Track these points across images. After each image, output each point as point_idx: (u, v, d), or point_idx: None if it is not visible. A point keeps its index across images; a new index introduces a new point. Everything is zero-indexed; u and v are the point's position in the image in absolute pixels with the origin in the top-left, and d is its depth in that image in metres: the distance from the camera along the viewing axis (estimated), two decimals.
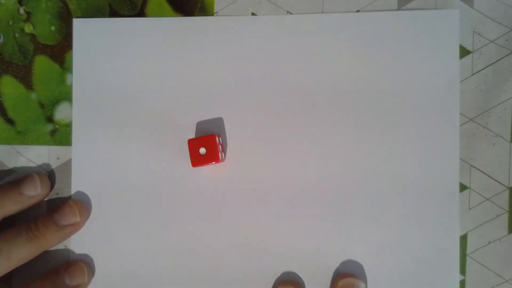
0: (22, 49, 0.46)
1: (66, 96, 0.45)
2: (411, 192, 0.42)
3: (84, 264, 0.44)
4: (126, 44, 0.44)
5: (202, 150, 0.41)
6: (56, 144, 0.45)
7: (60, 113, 0.45)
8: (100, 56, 0.45)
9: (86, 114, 0.45)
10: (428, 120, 0.42)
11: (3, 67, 0.46)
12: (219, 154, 0.41)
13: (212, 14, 0.44)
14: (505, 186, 0.42)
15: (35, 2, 0.46)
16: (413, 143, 0.42)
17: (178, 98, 0.44)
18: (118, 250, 0.44)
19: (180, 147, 0.44)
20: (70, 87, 0.45)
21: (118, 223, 0.44)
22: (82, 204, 0.44)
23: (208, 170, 0.44)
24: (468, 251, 0.42)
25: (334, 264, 0.43)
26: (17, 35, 0.46)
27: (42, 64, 0.46)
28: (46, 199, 0.45)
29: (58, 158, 0.45)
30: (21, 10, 0.46)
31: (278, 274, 0.43)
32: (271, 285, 0.43)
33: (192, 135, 0.44)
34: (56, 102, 0.45)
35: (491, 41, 0.42)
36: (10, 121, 0.46)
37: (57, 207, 0.44)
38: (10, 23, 0.46)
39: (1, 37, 0.46)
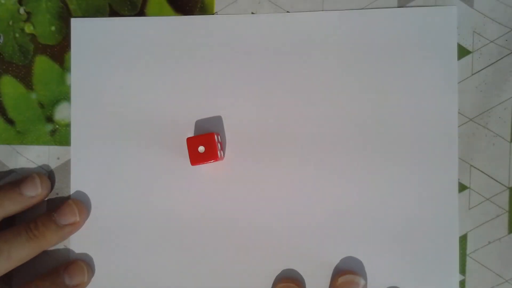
0: (22, 49, 0.46)
1: (66, 96, 0.45)
2: (410, 192, 0.42)
3: (84, 264, 0.44)
4: (124, 44, 0.45)
5: (201, 149, 0.41)
6: (56, 144, 0.45)
7: (60, 113, 0.45)
8: (99, 55, 0.45)
9: (85, 114, 0.45)
10: (427, 119, 0.42)
11: (3, 67, 0.46)
12: (218, 152, 0.41)
13: (212, 14, 0.44)
14: (505, 186, 0.42)
15: (35, 2, 0.46)
16: (411, 143, 0.42)
17: (177, 96, 0.44)
18: (117, 250, 0.44)
19: (179, 146, 0.44)
20: (70, 87, 0.45)
21: (117, 223, 0.44)
22: (81, 203, 0.44)
23: (207, 168, 0.44)
24: (468, 251, 0.42)
25: (334, 261, 0.43)
26: (17, 35, 0.46)
27: (42, 64, 0.46)
28: (46, 198, 0.45)
29: (58, 158, 0.45)
30: (21, 10, 0.46)
31: (278, 271, 0.43)
32: (271, 282, 0.43)
33: (191, 134, 0.44)
34: (56, 102, 0.45)
35: (491, 41, 0.42)
36: (10, 121, 0.46)
37: (57, 206, 0.44)
38: (10, 23, 0.46)
39: (1, 37, 0.46)
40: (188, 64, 0.44)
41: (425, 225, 0.42)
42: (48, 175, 0.45)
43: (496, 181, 0.42)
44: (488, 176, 0.42)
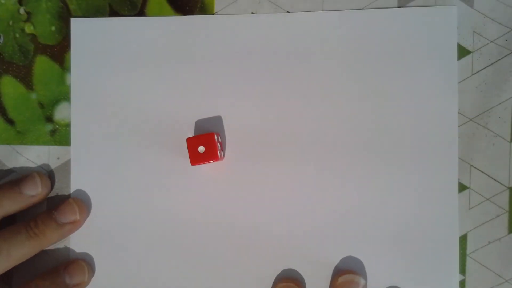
0: (22, 49, 0.46)
1: (66, 96, 0.45)
2: (410, 192, 0.42)
3: (85, 263, 0.44)
4: (125, 44, 0.45)
5: (201, 149, 0.41)
6: (56, 144, 0.45)
7: (60, 113, 0.45)
8: (99, 55, 0.45)
9: (85, 113, 0.45)
10: (427, 119, 0.42)
11: (4, 67, 0.46)
12: (218, 152, 0.41)
13: (212, 14, 0.44)
14: (505, 186, 0.42)
15: (35, 2, 0.46)
16: (411, 143, 0.42)
17: (177, 96, 0.44)
18: (117, 250, 0.44)
19: (179, 146, 0.44)
20: (70, 87, 0.45)
21: (117, 223, 0.44)
22: (82, 202, 0.44)
23: (207, 168, 0.44)
24: (468, 251, 0.42)
25: (334, 261, 0.43)
26: (17, 35, 0.46)
27: (42, 64, 0.46)
28: (46, 199, 0.45)
29: (58, 158, 0.45)
30: (21, 10, 0.46)
31: (278, 271, 0.43)
32: (271, 282, 0.43)
33: (191, 134, 0.44)
34: (56, 102, 0.45)
35: (491, 41, 0.42)
36: (10, 121, 0.46)
37: (57, 205, 0.44)
38: (10, 23, 0.46)
39: (2, 37, 0.46)
40: (188, 64, 0.44)
41: (425, 225, 0.42)
42: (48, 175, 0.45)
43: (496, 181, 0.42)
44: (488, 176, 0.42)
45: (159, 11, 0.45)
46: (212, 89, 0.44)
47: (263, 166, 0.43)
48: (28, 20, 0.46)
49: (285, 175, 0.43)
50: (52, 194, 0.45)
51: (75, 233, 0.44)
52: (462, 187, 0.42)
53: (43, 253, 0.44)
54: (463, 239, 0.42)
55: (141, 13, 0.45)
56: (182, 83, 0.44)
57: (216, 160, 0.41)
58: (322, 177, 0.43)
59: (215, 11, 0.44)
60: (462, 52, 0.42)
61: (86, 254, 0.45)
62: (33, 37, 0.46)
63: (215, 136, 0.41)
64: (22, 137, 0.46)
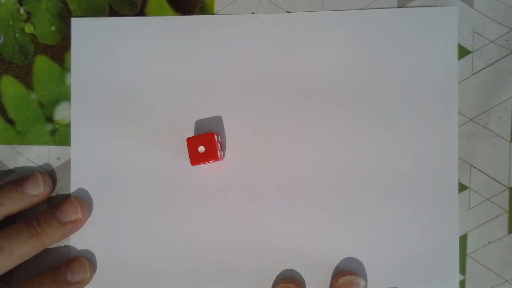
0: (22, 49, 0.46)
1: (66, 96, 0.45)
2: (410, 192, 0.42)
3: (86, 260, 0.44)
4: (125, 43, 0.45)
5: (201, 149, 0.41)
6: (56, 144, 0.45)
7: (60, 113, 0.45)
8: (99, 55, 0.45)
9: (85, 113, 0.45)
10: (427, 119, 0.42)
11: (4, 67, 0.46)
12: (218, 152, 0.41)
13: (212, 14, 0.44)
14: (505, 186, 0.42)
15: (35, 2, 0.46)
16: (412, 143, 0.42)
17: (177, 96, 0.44)
18: (117, 250, 0.44)
19: (179, 146, 0.44)
20: (70, 87, 0.45)
21: (118, 222, 0.44)
22: (83, 201, 0.44)
23: (207, 168, 0.44)
24: (468, 251, 0.42)
25: (334, 262, 0.43)
26: (17, 35, 0.46)
27: (42, 64, 0.46)
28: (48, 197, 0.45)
29: (58, 158, 0.45)
30: (21, 10, 0.46)
31: (278, 272, 0.43)
32: (271, 283, 0.43)
33: (191, 134, 0.44)
34: (56, 102, 0.45)
35: (491, 41, 0.42)
36: (10, 121, 0.46)
37: (59, 203, 0.44)
38: (10, 23, 0.46)
39: (1, 37, 0.46)
40: (188, 64, 0.44)
41: (425, 225, 0.42)
42: (50, 174, 0.45)
43: (496, 181, 0.42)
44: (488, 176, 0.42)
45: (159, 11, 0.45)
46: (212, 89, 0.44)
47: (263, 165, 0.43)
48: (28, 20, 0.46)
49: (285, 174, 0.43)
50: (53, 194, 0.45)
51: (75, 233, 0.44)
52: (462, 187, 0.42)
53: (44, 252, 0.44)
54: (463, 239, 0.42)
55: (141, 13, 0.45)
56: (182, 83, 0.44)
57: (216, 160, 0.41)
58: (322, 177, 0.43)
59: (215, 11, 0.44)
60: (462, 52, 0.42)
61: (88, 252, 0.45)
62: (33, 37, 0.46)
63: (215, 136, 0.41)
64: (22, 137, 0.46)
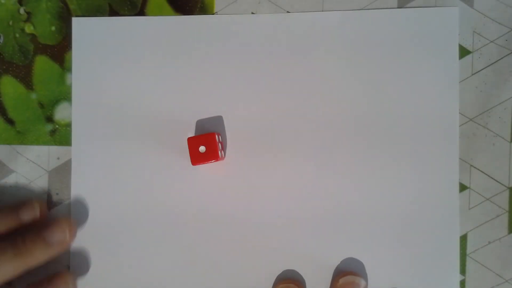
0: (22, 49, 0.46)
1: (66, 96, 0.45)
2: (411, 192, 0.42)
3: (69, 277, 0.44)
4: (125, 43, 0.45)
5: (202, 149, 0.41)
6: (56, 144, 0.45)
7: (60, 113, 0.45)
8: (100, 55, 0.45)
9: (86, 113, 0.45)
10: (427, 119, 0.42)
11: (4, 67, 0.46)
12: (219, 152, 0.41)
13: (212, 14, 0.44)
14: (505, 186, 0.42)
15: (35, 2, 0.46)
16: (412, 143, 0.42)
17: (177, 96, 0.44)
18: (117, 250, 0.44)
19: (180, 146, 0.44)
20: (70, 87, 0.45)
21: (118, 223, 0.44)
22: (71, 222, 0.44)
23: (207, 168, 0.44)
24: (468, 251, 0.42)
25: (335, 262, 0.43)
26: (17, 35, 0.46)
27: (42, 64, 0.46)
28: (46, 199, 0.45)
29: (58, 158, 0.45)
30: (21, 10, 0.46)
31: (279, 272, 0.43)
32: (271, 283, 0.43)
33: (191, 134, 0.44)
34: (56, 102, 0.45)
35: (491, 41, 0.42)
36: (10, 121, 0.46)
37: (46, 224, 0.43)
38: (10, 23, 0.46)
39: (1, 37, 0.46)
40: (189, 64, 0.44)
41: (425, 225, 0.42)
42: (47, 198, 0.45)
43: (496, 181, 0.42)
44: (488, 176, 0.42)
45: (159, 11, 0.45)
46: (213, 89, 0.44)
47: (263, 166, 0.43)
48: (28, 20, 0.46)
49: (286, 175, 0.43)
50: (53, 194, 0.45)
51: (75, 233, 0.44)
52: (462, 187, 0.42)
53: None
54: (463, 239, 0.42)
55: (141, 13, 0.45)
56: (182, 83, 0.44)
57: (217, 160, 0.42)
58: (323, 177, 0.43)
59: (215, 11, 0.44)
60: (462, 52, 0.42)
61: (86, 251, 0.45)
62: (33, 37, 0.46)
63: (216, 136, 0.41)
64: (22, 137, 0.46)
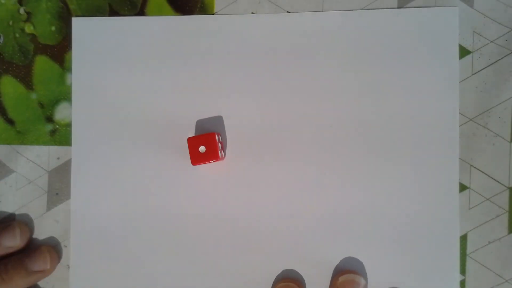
0: (22, 49, 0.46)
1: (66, 96, 0.45)
2: (411, 192, 0.42)
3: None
4: (125, 43, 0.45)
5: (202, 149, 0.41)
6: (56, 144, 0.45)
7: (60, 113, 0.45)
8: (100, 55, 0.45)
9: (86, 113, 0.45)
10: (428, 119, 0.42)
11: (4, 67, 0.46)
12: (219, 152, 0.41)
13: (212, 14, 0.44)
14: (505, 186, 0.42)
15: (35, 2, 0.46)
16: (412, 143, 0.42)
17: (177, 96, 0.44)
18: (117, 249, 0.44)
19: (180, 146, 0.44)
20: (70, 87, 0.45)
21: (117, 223, 0.44)
22: (54, 250, 0.44)
23: (207, 168, 0.44)
24: (468, 251, 0.42)
25: (335, 262, 0.43)
26: (17, 35, 0.46)
27: (42, 64, 0.46)
28: (46, 199, 0.45)
29: (58, 158, 0.45)
30: (21, 10, 0.46)
31: (278, 271, 0.43)
32: (271, 282, 0.43)
33: (191, 134, 0.44)
34: (56, 102, 0.45)
35: (491, 41, 0.42)
36: (10, 121, 0.46)
37: (29, 252, 0.43)
38: (10, 23, 0.46)
39: (1, 37, 0.46)
40: (189, 64, 0.44)
41: (425, 225, 0.42)
42: (28, 225, 0.45)
43: (496, 181, 0.42)
44: (488, 176, 0.42)
45: (159, 11, 0.45)
46: (213, 89, 0.44)
47: (264, 166, 0.43)
48: (28, 20, 0.46)
49: (286, 175, 0.43)
50: (52, 194, 0.45)
51: (75, 233, 0.44)
52: (462, 187, 0.42)
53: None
54: (463, 239, 0.42)
55: (141, 13, 0.45)
56: (182, 83, 0.44)
57: (217, 160, 0.42)
58: (322, 177, 0.43)
59: (215, 11, 0.44)
60: (462, 52, 0.42)
61: (86, 250, 0.45)
62: (33, 37, 0.46)
63: (216, 136, 0.41)
64: (22, 137, 0.46)
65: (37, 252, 0.43)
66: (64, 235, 0.45)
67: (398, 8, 0.43)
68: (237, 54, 0.44)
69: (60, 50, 0.46)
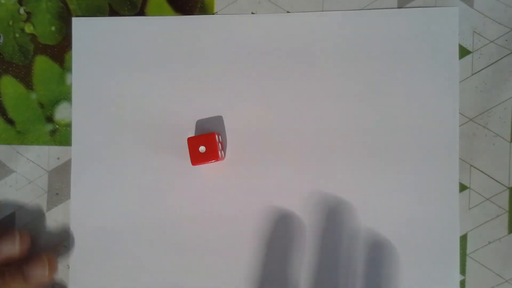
0: (22, 49, 0.46)
1: (66, 96, 0.45)
2: (411, 192, 0.42)
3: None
4: (125, 43, 0.45)
5: (202, 149, 0.41)
6: (56, 144, 0.45)
7: (60, 113, 0.45)
8: (100, 55, 0.45)
9: (86, 113, 0.45)
10: (428, 119, 0.42)
11: (3, 67, 0.46)
12: (219, 152, 0.41)
13: (212, 14, 0.44)
14: (505, 186, 0.42)
15: (35, 2, 0.46)
16: (412, 143, 0.42)
17: (177, 96, 0.44)
18: (117, 249, 0.44)
19: (180, 146, 0.44)
20: (70, 87, 0.45)
21: (118, 223, 0.44)
22: (53, 258, 0.44)
23: (207, 168, 0.44)
24: (468, 251, 0.42)
25: (335, 261, 0.43)
26: (17, 35, 0.46)
27: (42, 64, 0.46)
28: (46, 199, 0.45)
29: (58, 158, 0.45)
30: (21, 10, 0.46)
31: (278, 271, 0.43)
32: (271, 281, 0.43)
33: (191, 134, 0.44)
34: (56, 102, 0.45)
35: (491, 41, 0.42)
36: (10, 121, 0.46)
37: (28, 259, 0.43)
38: (10, 23, 0.46)
39: (1, 37, 0.46)
40: (189, 64, 0.44)
41: (425, 225, 0.42)
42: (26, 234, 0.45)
43: (496, 181, 0.42)
44: (488, 176, 0.42)
45: (159, 11, 0.45)
46: (213, 89, 0.44)
47: (263, 166, 0.43)
48: (28, 20, 0.46)
49: (286, 175, 0.43)
50: (53, 194, 0.45)
51: (75, 233, 0.44)
52: (462, 187, 0.42)
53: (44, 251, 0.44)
54: (463, 239, 0.42)
55: (141, 13, 0.45)
56: (182, 83, 0.44)
57: (217, 160, 0.42)
58: (322, 177, 0.43)
59: (215, 11, 0.44)
60: (462, 52, 0.42)
61: (87, 249, 0.45)
62: (33, 37, 0.46)
63: (216, 136, 0.41)
64: (22, 137, 0.46)
65: (35, 259, 0.43)
66: (64, 235, 0.45)
67: (398, 8, 0.43)
68: (237, 54, 0.44)
69: (60, 50, 0.46)
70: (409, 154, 0.42)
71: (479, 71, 0.42)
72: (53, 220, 0.45)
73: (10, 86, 0.46)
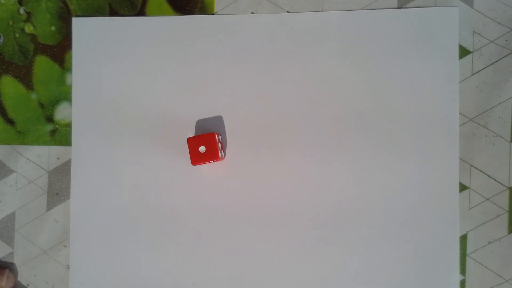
0: (22, 49, 0.46)
1: (66, 96, 0.45)
2: (411, 192, 0.42)
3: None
4: (125, 43, 0.45)
5: (202, 149, 0.41)
6: (56, 144, 0.45)
7: (60, 113, 0.45)
8: (100, 55, 0.45)
9: (86, 113, 0.45)
10: (428, 119, 0.42)
11: (3, 67, 0.46)
12: (219, 152, 0.41)
13: (212, 14, 0.44)
14: (505, 186, 0.42)
15: (35, 2, 0.46)
16: (412, 143, 0.42)
17: (177, 96, 0.44)
18: (117, 249, 0.44)
19: (180, 146, 0.44)
20: (70, 87, 0.45)
21: (117, 222, 0.44)
22: (11, 272, 0.45)
23: (207, 168, 0.44)
24: (468, 251, 0.42)
25: (335, 261, 0.43)
26: (17, 35, 0.46)
27: (42, 64, 0.46)
28: (46, 199, 0.45)
29: (58, 158, 0.45)
30: (21, 10, 0.46)
31: (278, 270, 0.43)
32: (271, 281, 0.43)
33: (191, 134, 0.44)
34: (56, 102, 0.45)
35: (491, 41, 0.42)
36: (10, 121, 0.46)
37: None
38: (10, 23, 0.46)
39: (1, 37, 0.46)
40: (189, 64, 0.44)
41: (425, 225, 0.42)
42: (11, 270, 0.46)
43: (496, 181, 0.42)
44: (488, 176, 0.42)
45: (159, 11, 0.45)
46: (213, 89, 0.44)
47: (263, 165, 0.43)
48: (28, 20, 0.46)
49: (286, 174, 0.43)
50: (53, 194, 0.45)
51: (74, 233, 0.44)
52: (462, 187, 0.42)
53: (44, 254, 0.44)
54: (463, 239, 0.42)
55: (141, 13, 0.45)
56: (182, 83, 0.44)
57: (217, 160, 0.41)
58: (323, 177, 0.43)
59: (215, 11, 0.44)
60: (462, 52, 0.42)
61: (86, 248, 0.45)
62: (33, 37, 0.46)
63: (216, 136, 0.41)
64: (22, 137, 0.46)
65: None
66: (64, 235, 0.45)
67: (398, 8, 0.43)
68: (237, 54, 0.44)
69: (60, 50, 0.46)
70: (409, 154, 0.42)
71: (479, 71, 0.42)
72: (53, 220, 0.45)
73: (10, 86, 0.46)
